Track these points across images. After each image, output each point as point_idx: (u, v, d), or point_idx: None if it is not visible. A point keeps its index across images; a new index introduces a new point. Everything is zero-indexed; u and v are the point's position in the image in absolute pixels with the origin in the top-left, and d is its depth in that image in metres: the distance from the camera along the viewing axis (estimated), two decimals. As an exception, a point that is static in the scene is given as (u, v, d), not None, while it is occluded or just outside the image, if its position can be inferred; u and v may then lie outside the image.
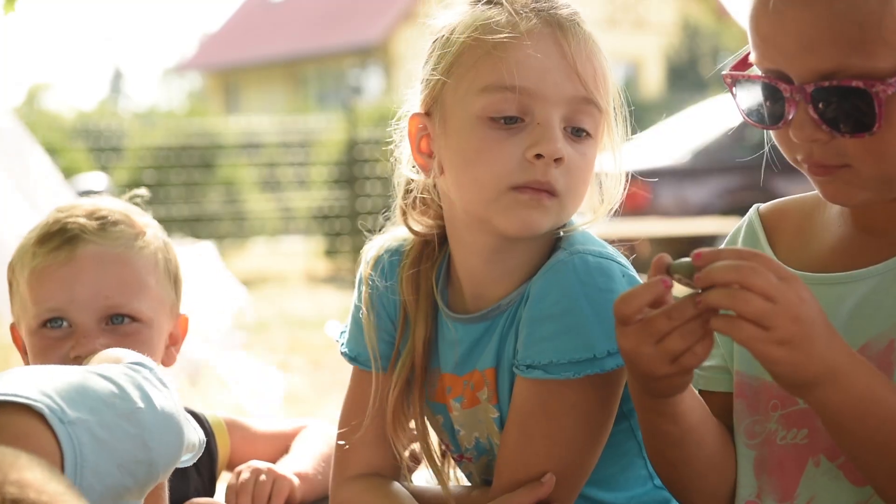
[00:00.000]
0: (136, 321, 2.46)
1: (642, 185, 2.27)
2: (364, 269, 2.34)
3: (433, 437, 2.34)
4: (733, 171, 12.10)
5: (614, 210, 2.24)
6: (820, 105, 1.86)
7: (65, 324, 2.43)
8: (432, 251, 2.30)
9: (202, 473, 2.60)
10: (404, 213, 2.31)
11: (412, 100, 2.25)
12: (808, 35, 1.84)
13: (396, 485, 2.31)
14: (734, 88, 2.01)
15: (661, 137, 11.67)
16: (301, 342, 10.50)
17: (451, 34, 2.17)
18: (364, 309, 2.32)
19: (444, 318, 2.27)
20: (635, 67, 36.24)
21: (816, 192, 2.02)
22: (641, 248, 2.29)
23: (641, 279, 2.04)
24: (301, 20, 39.30)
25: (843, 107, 1.85)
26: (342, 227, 17.28)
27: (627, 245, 2.22)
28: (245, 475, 2.45)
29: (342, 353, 2.37)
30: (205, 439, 2.18)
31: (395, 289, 2.30)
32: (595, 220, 2.23)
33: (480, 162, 2.11)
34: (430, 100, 2.20)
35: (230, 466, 2.63)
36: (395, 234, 2.35)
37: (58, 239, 2.47)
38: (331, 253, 17.58)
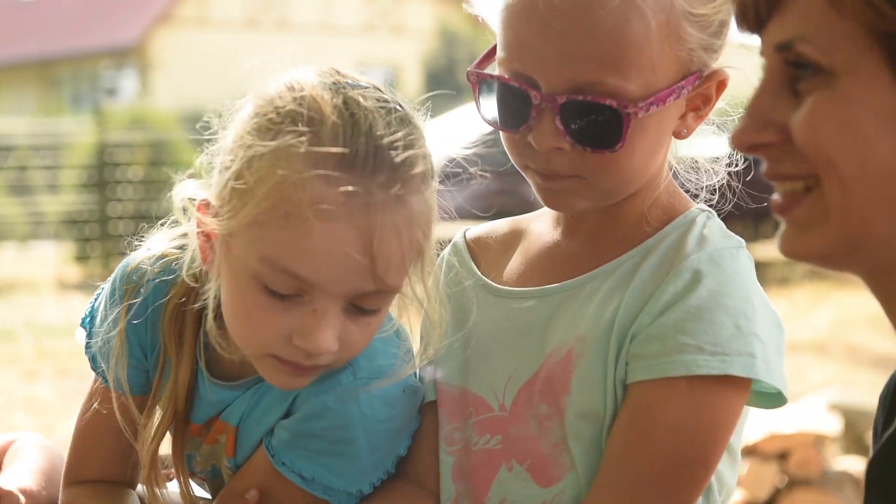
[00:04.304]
0: None
1: None
2: (121, 286, 2.12)
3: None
4: (489, 176, 12.30)
5: None
6: (568, 117, 1.88)
7: None
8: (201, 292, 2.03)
9: None
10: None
11: (211, 171, 1.94)
12: (569, 46, 1.85)
13: (129, 492, 2.23)
14: (478, 87, 1.99)
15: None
16: (49, 350, 10.32)
17: (258, 160, 1.83)
18: (116, 332, 2.10)
19: (203, 377, 2.10)
20: (393, 72, 36.53)
21: (524, 215, 2.07)
22: None
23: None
24: (54, 20, 38.40)
25: (591, 122, 1.87)
26: (92, 232, 16.98)
27: None
28: None
29: (88, 356, 2.21)
30: None
31: (156, 324, 2.09)
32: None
33: (246, 323, 1.90)
34: (220, 203, 1.89)
35: None
36: (166, 250, 2.10)
37: None
38: (81, 258, 17.23)
